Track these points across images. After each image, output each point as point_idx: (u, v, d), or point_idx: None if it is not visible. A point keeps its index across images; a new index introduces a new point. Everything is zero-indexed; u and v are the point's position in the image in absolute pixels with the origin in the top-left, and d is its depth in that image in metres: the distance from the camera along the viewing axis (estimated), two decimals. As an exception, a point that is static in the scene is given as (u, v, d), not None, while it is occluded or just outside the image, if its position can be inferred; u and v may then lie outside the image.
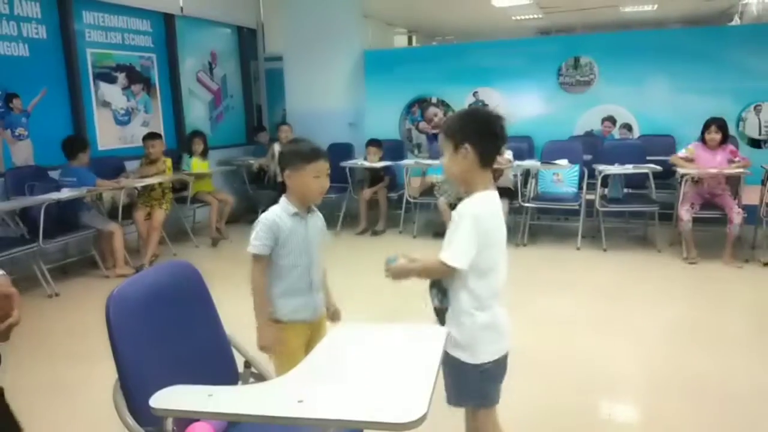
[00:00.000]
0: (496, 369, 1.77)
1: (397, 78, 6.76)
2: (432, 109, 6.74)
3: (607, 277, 4.59)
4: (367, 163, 6.08)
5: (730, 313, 3.77)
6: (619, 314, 3.76)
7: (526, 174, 5.65)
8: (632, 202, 5.46)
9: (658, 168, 5.05)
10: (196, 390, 1.29)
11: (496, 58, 6.40)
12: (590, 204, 5.40)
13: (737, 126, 5.63)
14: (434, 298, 1.81)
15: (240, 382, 1.84)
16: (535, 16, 11.31)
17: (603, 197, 5.34)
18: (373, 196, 6.18)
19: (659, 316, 3.70)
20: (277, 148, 6.49)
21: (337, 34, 6.88)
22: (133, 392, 1.47)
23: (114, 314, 1.50)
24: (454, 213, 1.73)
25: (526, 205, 5.47)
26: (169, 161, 5.49)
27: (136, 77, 6.00)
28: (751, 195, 4.91)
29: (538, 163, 5.52)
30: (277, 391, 1.32)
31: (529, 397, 2.63)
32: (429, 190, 5.85)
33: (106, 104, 5.67)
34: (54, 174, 4.84)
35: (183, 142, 6.25)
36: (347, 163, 6.12)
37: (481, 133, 1.70)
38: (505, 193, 5.21)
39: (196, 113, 6.86)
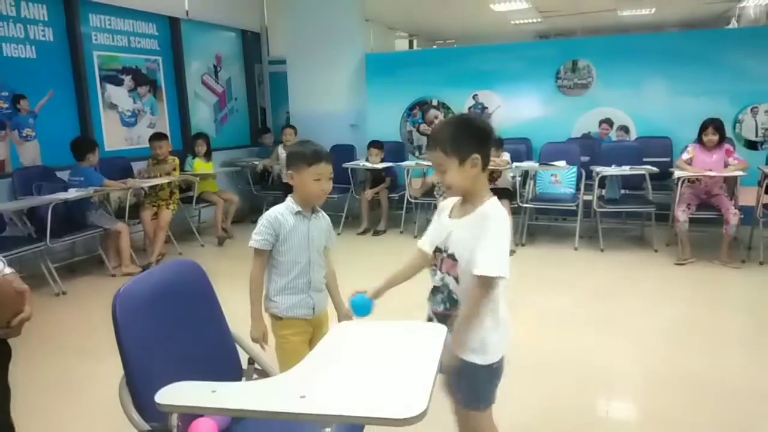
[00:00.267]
0: (501, 366, 1.77)
1: (398, 81, 6.82)
2: (432, 112, 6.80)
3: (605, 276, 4.62)
4: (368, 164, 6.14)
5: (727, 312, 3.79)
6: (616, 314, 3.77)
7: (525, 175, 5.72)
8: (629, 202, 5.50)
9: (655, 169, 5.10)
10: (200, 386, 1.30)
11: (495, 61, 6.45)
12: (588, 205, 5.44)
13: (734, 128, 5.67)
14: (440, 304, 1.76)
15: (243, 378, 1.86)
16: (534, 20, 11.33)
17: (600, 198, 5.39)
18: (375, 197, 6.26)
19: (656, 315, 3.71)
20: (281, 150, 6.58)
21: (340, 37, 6.94)
22: (139, 388, 1.49)
23: (120, 312, 1.52)
24: (477, 218, 1.67)
25: (525, 205, 5.54)
26: (177, 161, 5.54)
27: (142, 80, 6.07)
28: (747, 196, 4.95)
29: (537, 165, 5.57)
30: (280, 386, 1.32)
31: (527, 396, 2.65)
32: (429, 191, 5.90)
33: (112, 106, 5.75)
34: (62, 174, 4.90)
35: (188, 143, 6.32)
36: (349, 164, 6.18)
37: (481, 138, 1.70)
38: (504, 193, 5.28)
39: (202, 115, 6.94)
